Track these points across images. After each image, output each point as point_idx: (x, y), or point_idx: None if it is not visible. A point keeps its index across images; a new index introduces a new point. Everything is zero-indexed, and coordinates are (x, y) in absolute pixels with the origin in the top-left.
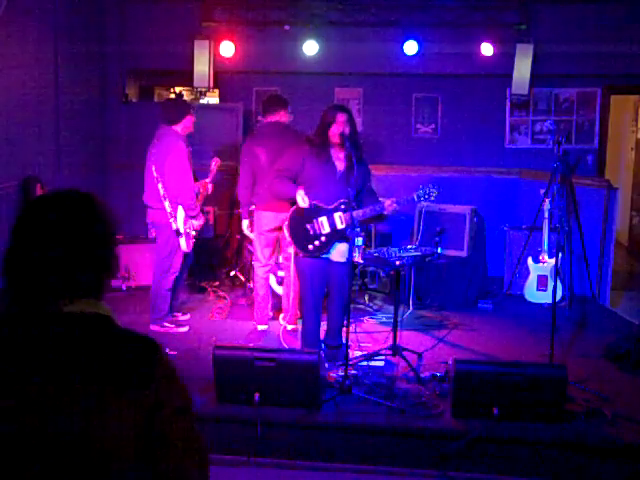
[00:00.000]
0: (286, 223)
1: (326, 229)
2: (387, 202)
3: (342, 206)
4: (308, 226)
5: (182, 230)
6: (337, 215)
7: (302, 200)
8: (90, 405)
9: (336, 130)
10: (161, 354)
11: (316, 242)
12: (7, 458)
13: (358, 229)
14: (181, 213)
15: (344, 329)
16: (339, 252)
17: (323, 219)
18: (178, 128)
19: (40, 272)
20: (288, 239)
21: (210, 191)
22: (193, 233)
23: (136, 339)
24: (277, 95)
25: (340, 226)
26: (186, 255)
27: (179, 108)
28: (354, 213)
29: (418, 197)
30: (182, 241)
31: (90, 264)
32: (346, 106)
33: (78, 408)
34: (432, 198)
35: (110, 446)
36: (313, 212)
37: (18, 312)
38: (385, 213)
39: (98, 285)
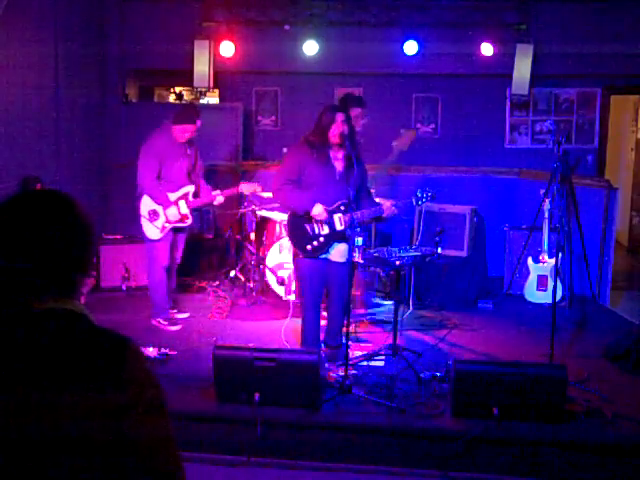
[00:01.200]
0: (285, 224)
1: (325, 230)
2: (386, 204)
3: (341, 207)
4: (307, 227)
5: (146, 217)
6: (336, 216)
7: (322, 213)
8: (59, 404)
9: (336, 130)
10: (132, 351)
11: (314, 242)
12: None
13: (358, 229)
14: (145, 201)
15: (344, 329)
16: (338, 252)
17: (323, 213)
18: (173, 129)
19: (12, 271)
20: (287, 239)
21: (215, 201)
22: (166, 225)
23: (106, 336)
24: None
25: (339, 227)
26: (173, 247)
27: (183, 113)
28: (353, 215)
29: (416, 200)
30: (147, 228)
31: (64, 264)
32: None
33: (47, 407)
34: (429, 200)
35: (79, 447)
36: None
37: None
38: (384, 215)
39: (72, 284)
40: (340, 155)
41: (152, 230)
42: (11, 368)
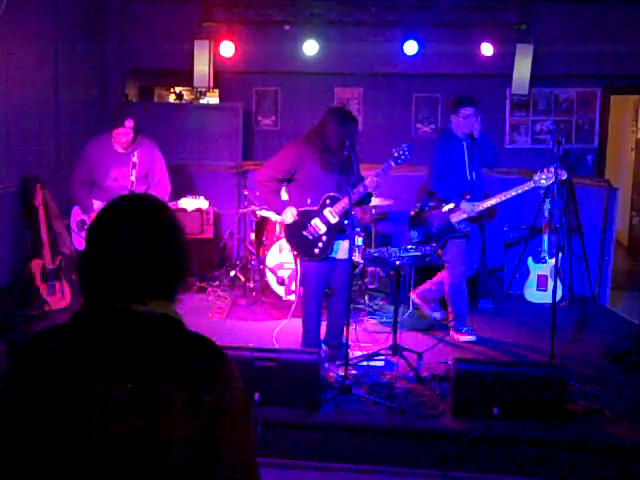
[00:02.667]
0: (283, 236)
1: (322, 229)
2: (367, 180)
3: (327, 201)
4: (305, 233)
5: (74, 230)
6: (326, 211)
7: (291, 217)
8: (154, 405)
9: (338, 135)
10: (226, 360)
11: (320, 244)
12: (69, 457)
13: (358, 229)
14: (75, 211)
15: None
16: (343, 250)
17: (316, 221)
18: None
19: (115, 273)
20: (291, 251)
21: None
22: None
23: (202, 343)
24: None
25: (334, 220)
26: None
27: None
28: (340, 203)
29: (395, 161)
30: (76, 240)
31: (163, 268)
32: (351, 111)
33: (142, 407)
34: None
35: (171, 448)
36: (304, 219)
37: (90, 312)
38: (370, 191)
39: (169, 288)
40: (340, 158)
41: (81, 242)
42: (109, 367)
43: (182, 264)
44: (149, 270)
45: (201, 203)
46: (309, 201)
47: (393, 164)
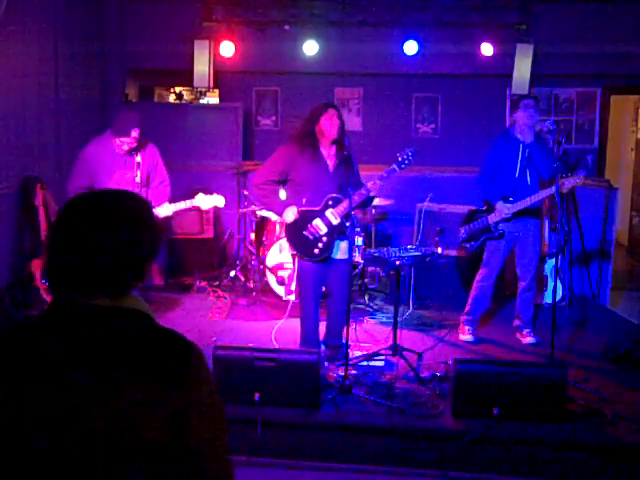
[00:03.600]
0: (284, 236)
1: (323, 229)
2: (369, 184)
3: (330, 202)
4: (306, 233)
5: None
6: (328, 212)
7: (292, 216)
8: (121, 400)
9: (328, 126)
10: (196, 355)
11: (320, 245)
12: (40, 456)
13: (358, 229)
14: None
15: (344, 328)
16: (342, 250)
17: (317, 221)
18: (113, 140)
19: (78, 268)
20: (291, 251)
21: (161, 215)
22: None
23: (172, 337)
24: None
25: (335, 221)
26: None
27: (118, 123)
28: (342, 205)
29: (399, 165)
30: None
31: (126, 261)
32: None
33: (110, 404)
34: (412, 159)
35: (140, 443)
36: (305, 219)
37: (55, 308)
38: (373, 194)
39: (131, 282)
40: (332, 152)
41: None
42: (75, 364)
43: (143, 259)
44: (108, 264)
45: (217, 201)
46: (304, 201)
47: (397, 169)
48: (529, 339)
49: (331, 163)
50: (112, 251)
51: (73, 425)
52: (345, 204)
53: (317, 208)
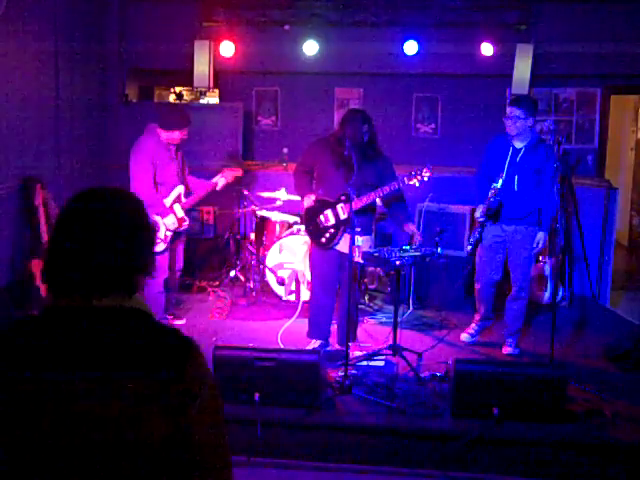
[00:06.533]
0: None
1: (331, 220)
2: (385, 188)
3: (342, 197)
4: (317, 220)
5: None
6: (339, 206)
7: (308, 201)
8: (122, 398)
9: (351, 131)
10: (195, 351)
11: (327, 234)
12: (42, 454)
13: (359, 229)
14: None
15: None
16: (345, 243)
17: (328, 212)
18: (162, 133)
19: (78, 267)
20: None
21: (218, 187)
22: (167, 234)
23: (172, 335)
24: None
25: (343, 216)
26: (172, 255)
27: (176, 117)
28: (353, 203)
29: (409, 178)
30: None
31: (128, 261)
32: (367, 114)
33: (110, 400)
34: (425, 178)
35: (140, 440)
36: (320, 206)
37: (55, 307)
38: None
39: (133, 282)
40: (354, 154)
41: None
42: (76, 361)
43: (140, 258)
44: (109, 265)
45: (236, 172)
46: (321, 192)
47: (406, 181)
48: (509, 349)
49: (353, 164)
50: (116, 251)
51: (75, 422)
52: (355, 202)
53: (332, 200)
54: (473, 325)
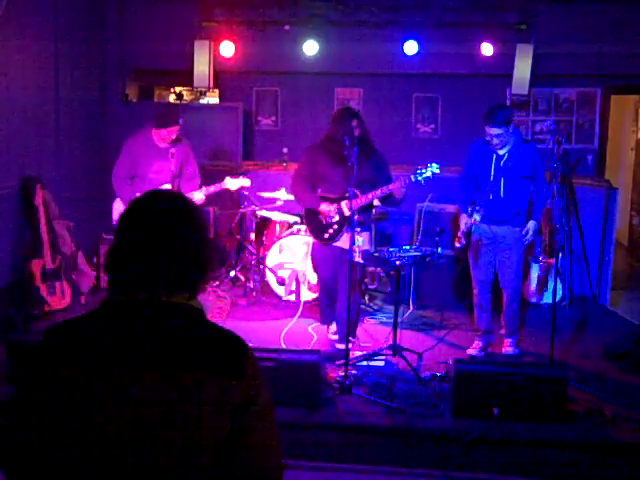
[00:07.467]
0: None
1: (336, 217)
2: (390, 186)
3: (346, 194)
4: (320, 217)
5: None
6: (343, 203)
7: (328, 208)
8: (183, 391)
9: (350, 133)
10: (250, 351)
11: (330, 230)
12: (96, 442)
13: (359, 229)
14: (116, 206)
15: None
16: (347, 239)
17: (332, 208)
18: (153, 131)
19: (141, 265)
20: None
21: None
22: None
23: (228, 334)
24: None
25: (347, 213)
26: None
27: (165, 115)
28: (357, 200)
29: (415, 176)
30: None
31: (189, 263)
32: (353, 109)
33: (171, 394)
34: (428, 174)
35: (198, 434)
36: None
37: (117, 301)
38: (396, 195)
39: (193, 283)
40: (351, 152)
41: None
42: (137, 355)
43: (206, 260)
44: (174, 264)
45: (243, 182)
46: (319, 191)
47: (413, 179)
48: (510, 349)
49: (348, 161)
50: (183, 252)
51: (136, 416)
52: (357, 201)
53: (334, 197)
54: (477, 342)
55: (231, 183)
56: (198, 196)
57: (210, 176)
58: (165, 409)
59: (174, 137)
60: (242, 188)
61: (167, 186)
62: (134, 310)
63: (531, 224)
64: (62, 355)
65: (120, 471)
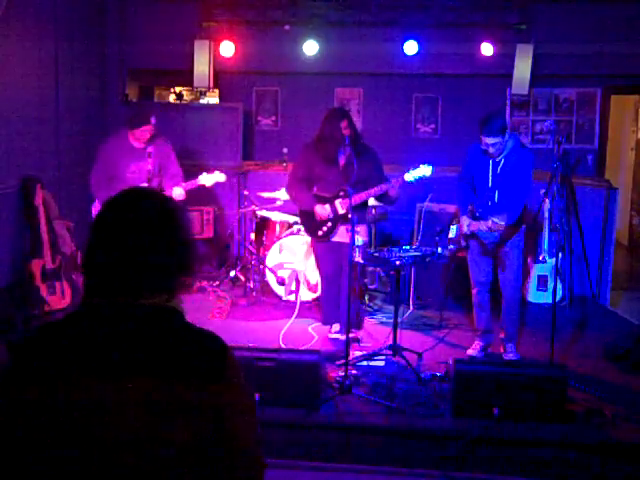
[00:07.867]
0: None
1: (330, 215)
2: (384, 185)
3: (341, 193)
4: (314, 215)
5: None
6: (337, 202)
7: (323, 210)
8: (159, 397)
9: (339, 133)
10: (230, 353)
11: (324, 228)
12: (72, 451)
13: (359, 228)
14: (96, 206)
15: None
16: (343, 233)
17: (326, 206)
18: (128, 132)
19: (117, 268)
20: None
21: (173, 196)
22: None
23: (207, 336)
24: None
25: (341, 211)
26: None
27: (137, 116)
28: (352, 199)
29: (416, 179)
30: None
31: (166, 264)
32: (344, 109)
33: (147, 400)
34: (419, 173)
35: (175, 441)
36: (317, 201)
37: (94, 304)
38: (391, 194)
39: (173, 283)
40: (344, 151)
41: None
42: (112, 360)
43: (185, 261)
44: (152, 265)
45: (218, 177)
46: (315, 189)
47: (406, 178)
48: (510, 355)
49: (343, 161)
50: (158, 251)
51: (113, 418)
52: (354, 198)
53: (328, 195)
54: (477, 342)
55: (206, 179)
56: (178, 191)
57: None
58: (145, 414)
59: (148, 136)
60: (217, 184)
61: (144, 185)
62: (111, 315)
63: (498, 219)
64: (30, 374)
65: (102, 478)
